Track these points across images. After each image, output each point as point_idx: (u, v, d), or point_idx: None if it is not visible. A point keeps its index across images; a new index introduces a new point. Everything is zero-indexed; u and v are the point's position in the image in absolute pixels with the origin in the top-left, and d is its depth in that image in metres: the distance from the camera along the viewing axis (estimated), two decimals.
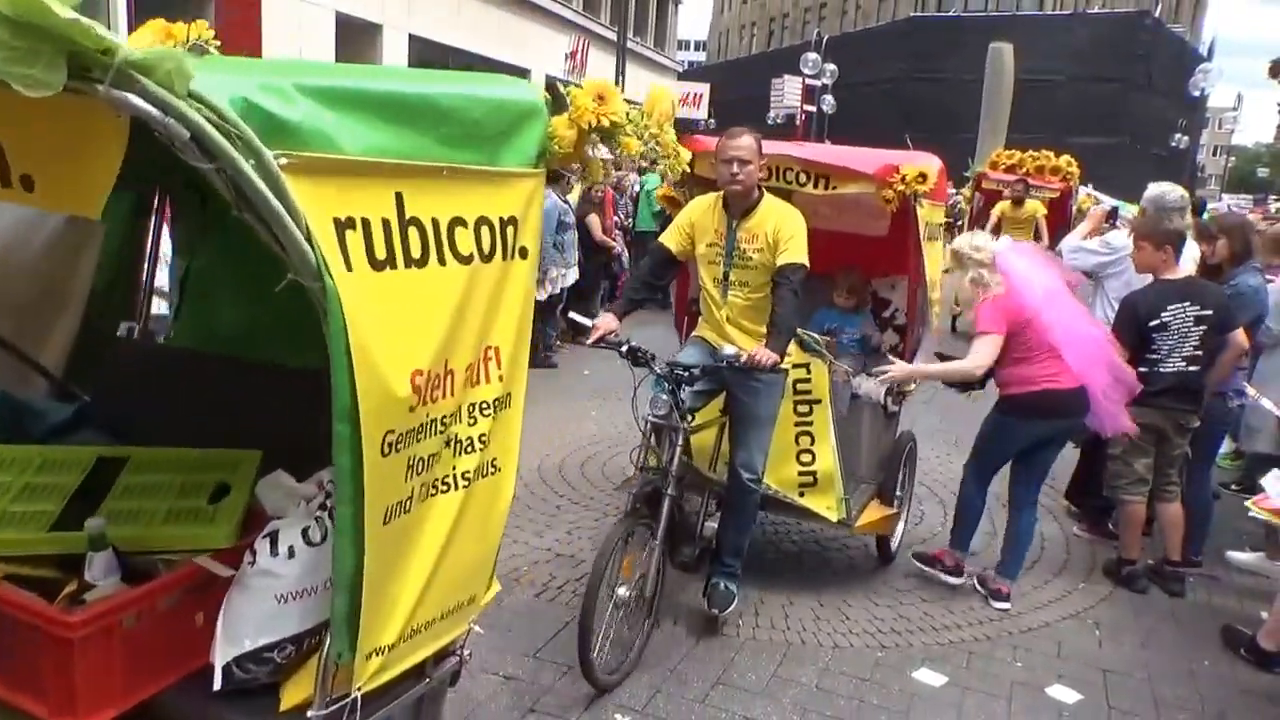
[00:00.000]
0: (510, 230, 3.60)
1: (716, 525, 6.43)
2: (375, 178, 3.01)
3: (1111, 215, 12.81)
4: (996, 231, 15.81)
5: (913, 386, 7.77)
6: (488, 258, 3.48)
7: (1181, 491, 7.47)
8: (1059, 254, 13.81)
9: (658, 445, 6.02)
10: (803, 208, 6.85)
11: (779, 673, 5.85)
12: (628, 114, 4.07)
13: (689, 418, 5.95)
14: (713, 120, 48.43)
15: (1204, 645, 6.62)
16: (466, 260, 3.38)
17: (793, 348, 6.06)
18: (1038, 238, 16.51)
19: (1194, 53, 70.27)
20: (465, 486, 3.60)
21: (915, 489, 9.19)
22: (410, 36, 28.48)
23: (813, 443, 6.57)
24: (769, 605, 6.72)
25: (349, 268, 2.87)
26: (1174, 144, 59.69)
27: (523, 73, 35.17)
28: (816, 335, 6.65)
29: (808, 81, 46.26)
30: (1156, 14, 67.29)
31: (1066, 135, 49.63)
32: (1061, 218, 17.80)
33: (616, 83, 21.22)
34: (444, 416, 3.41)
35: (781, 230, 5.87)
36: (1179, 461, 7.41)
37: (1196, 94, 47.61)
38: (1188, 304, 7.04)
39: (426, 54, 29.66)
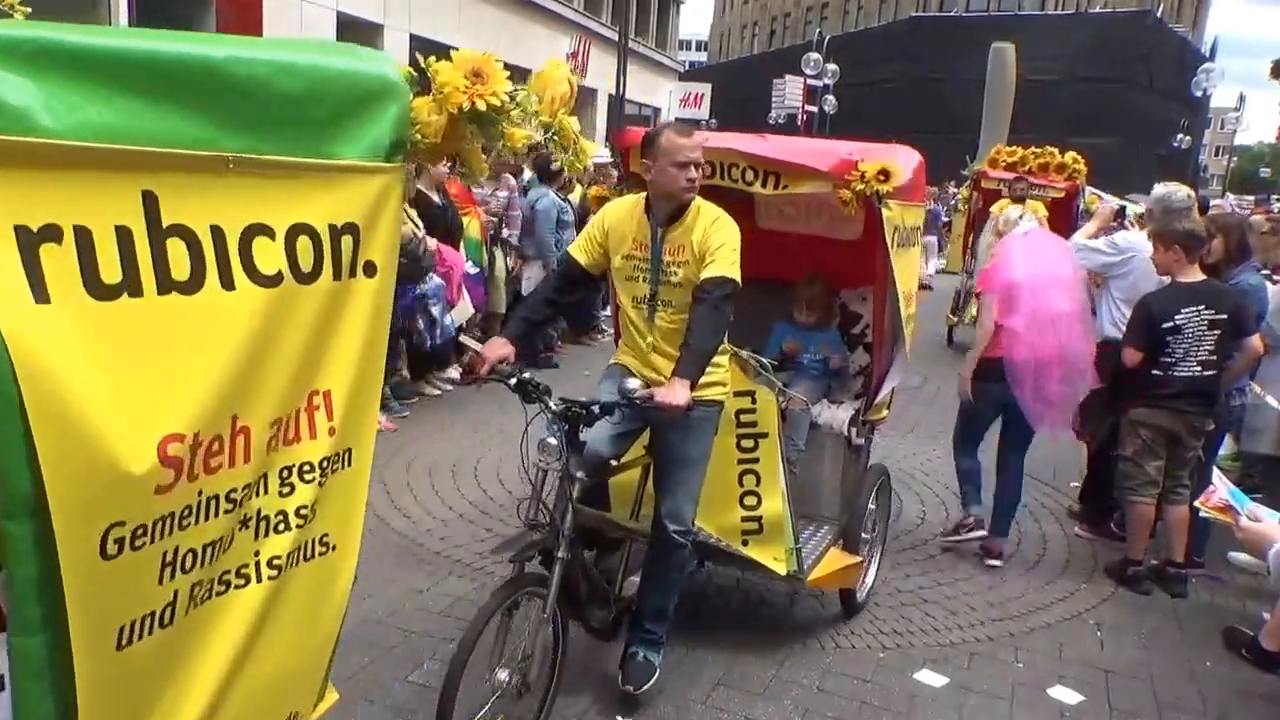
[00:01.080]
0: (347, 241, 2.87)
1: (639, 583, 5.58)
2: (105, 171, 2.23)
3: (1119, 215, 12.55)
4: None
5: (885, 413, 7.16)
6: (309, 277, 2.75)
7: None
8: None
9: (554, 496, 4.96)
10: (766, 208, 7.00)
11: (780, 674, 5.85)
12: (513, 96, 3.42)
13: (613, 463, 5.37)
14: (714, 120, 48.47)
15: (1206, 646, 6.60)
16: (272, 282, 2.63)
17: (735, 373, 5.53)
18: None
19: (1196, 52, 70.35)
20: (274, 577, 2.87)
21: (917, 490, 9.20)
22: (411, 36, 28.46)
23: (758, 483, 5.67)
24: (770, 605, 6.73)
25: (42, 298, 2.10)
26: (1176, 144, 59.64)
27: (524, 73, 35.25)
28: (763, 358, 6.08)
29: (809, 82, 46.32)
30: (1158, 14, 67.29)
31: (1068, 135, 49.40)
32: (1066, 219, 16.15)
33: (618, 83, 21.07)
34: (232, 490, 2.65)
35: (710, 239, 4.94)
36: (1191, 464, 7.36)
37: (1199, 94, 47.54)
38: (1201, 307, 7.02)
39: (427, 54, 29.43)
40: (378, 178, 2.94)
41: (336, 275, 2.83)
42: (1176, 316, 7.04)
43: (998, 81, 34.54)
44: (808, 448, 6.56)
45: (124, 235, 2.26)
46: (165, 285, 2.35)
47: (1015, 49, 35.29)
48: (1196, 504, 6.34)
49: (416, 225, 9.96)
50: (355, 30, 25.80)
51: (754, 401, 5.61)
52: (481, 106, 3.16)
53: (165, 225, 2.35)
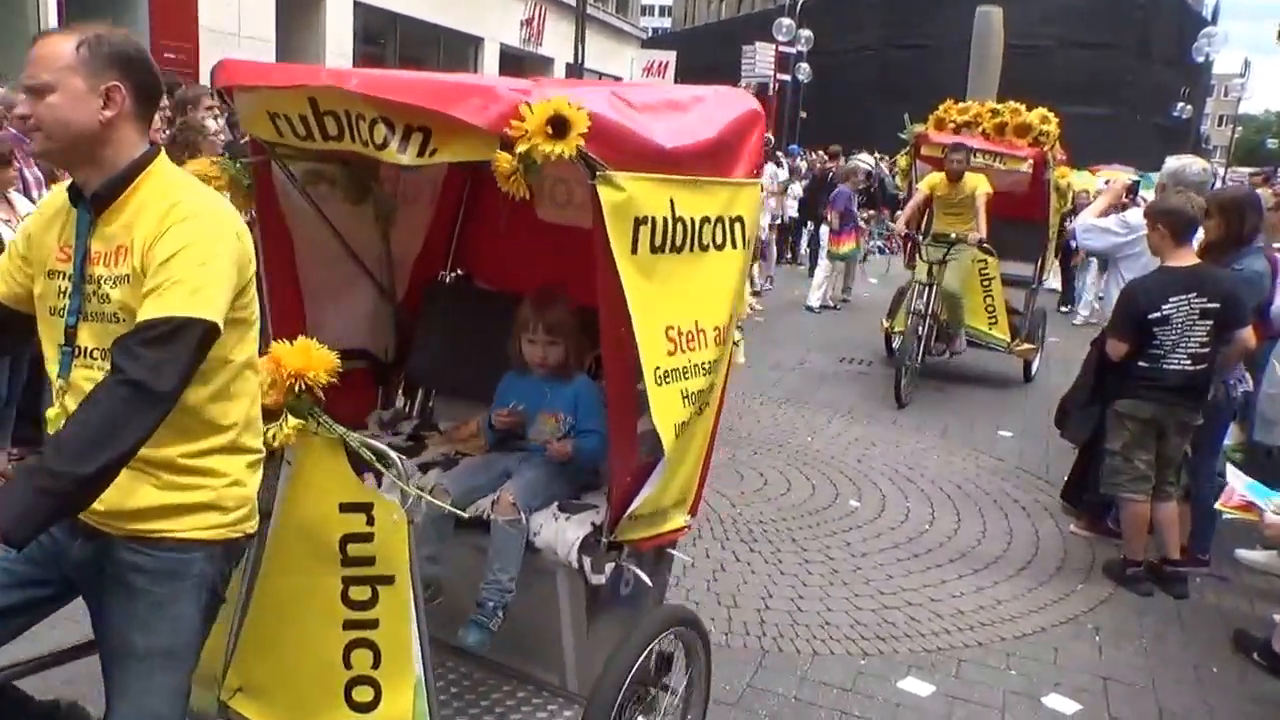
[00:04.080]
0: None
1: None
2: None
3: (1132, 191, 12.14)
4: (923, 218, 13.88)
5: (675, 527, 4.67)
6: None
7: (1186, 487, 7.49)
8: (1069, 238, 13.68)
9: None
10: (552, 189, 5.30)
11: (754, 683, 5.82)
12: None
13: None
14: None
15: (1212, 650, 6.62)
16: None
17: (335, 471, 3.87)
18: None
19: (1197, 15, 70.72)
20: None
21: (900, 485, 9.22)
22: (355, 4, 28.27)
23: (376, 664, 3.89)
24: (742, 610, 6.69)
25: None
26: (1176, 113, 59.96)
27: (475, 42, 35.16)
28: (380, 445, 3.95)
29: (781, 48, 46.22)
30: None
31: (1060, 104, 49.57)
32: (1036, 197, 13.74)
33: (576, 52, 21.17)
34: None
35: (166, 242, 3.06)
36: (1177, 460, 7.40)
37: (1200, 60, 47.73)
38: (1191, 295, 6.97)
39: (373, 22, 29.48)
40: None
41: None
42: (1164, 306, 6.99)
43: (984, 48, 34.66)
44: (532, 583, 4.57)
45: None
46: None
47: (1002, 12, 35.41)
48: (1217, 506, 6.36)
49: None
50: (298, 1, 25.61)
51: (370, 522, 3.87)
52: None
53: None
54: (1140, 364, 7.06)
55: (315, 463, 3.90)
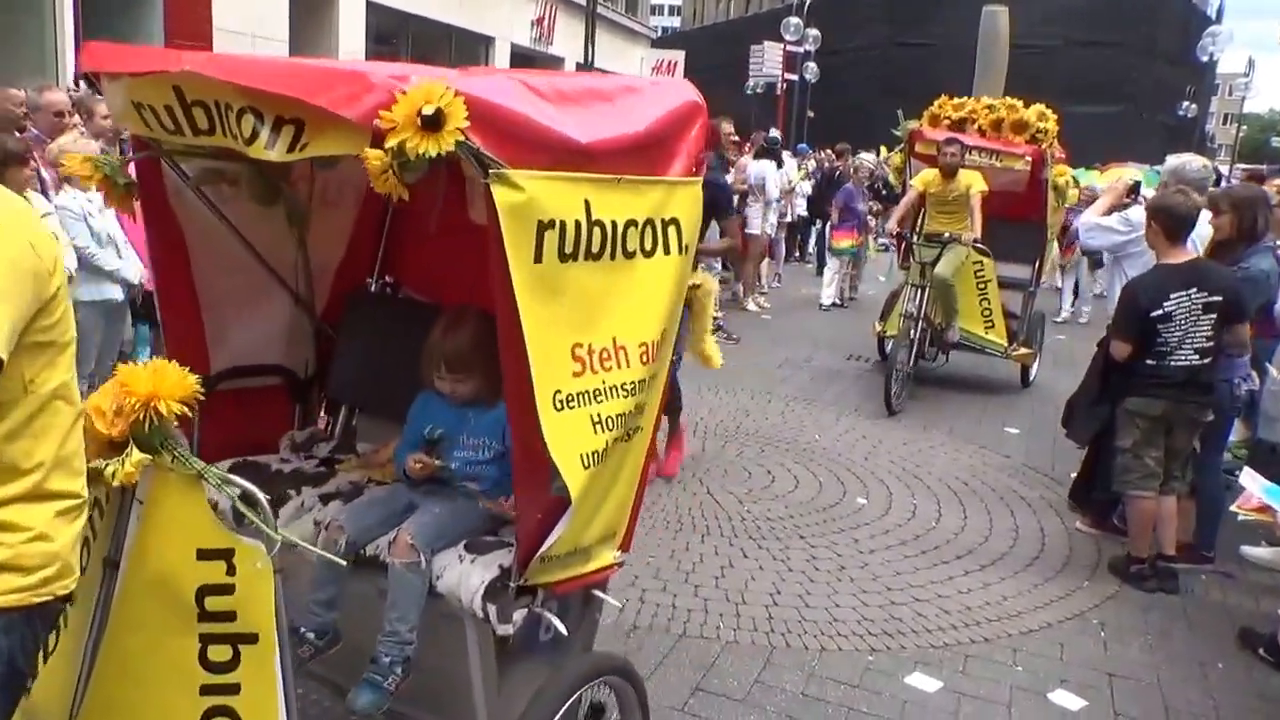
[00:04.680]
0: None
1: None
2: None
3: (1133, 191, 11.98)
4: (917, 217, 13.04)
5: (591, 570, 4.17)
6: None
7: (1191, 483, 7.48)
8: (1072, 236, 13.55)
9: None
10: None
11: (762, 678, 5.82)
12: None
13: None
14: None
15: (1217, 647, 6.61)
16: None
17: (191, 513, 3.40)
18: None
19: (1202, 15, 70.50)
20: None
21: (908, 482, 9.22)
22: (368, 4, 28.27)
23: None
24: (751, 606, 6.68)
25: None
26: (1182, 112, 59.92)
27: (486, 41, 35.16)
28: (245, 484, 3.43)
29: (789, 48, 46.21)
30: None
31: (1066, 103, 49.60)
32: (1034, 197, 13.20)
33: (586, 51, 21.21)
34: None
35: None
36: (1185, 454, 7.38)
37: (1205, 59, 47.67)
38: (1193, 290, 6.96)
39: (385, 22, 29.46)
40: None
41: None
42: (1166, 303, 6.98)
43: (990, 47, 34.56)
44: (440, 629, 4.10)
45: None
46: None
47: (1009, 12, 35.36)
48: (1233, 508, 6.36)
49: None
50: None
51: (231, 571, 3.38)
52: None
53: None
54: (1147, 362, 7.05)
55: (170, 503, 3.37)
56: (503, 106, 3.38)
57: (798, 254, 25.04)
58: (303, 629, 4.07)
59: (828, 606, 6.75)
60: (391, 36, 30.50)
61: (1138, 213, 8.63)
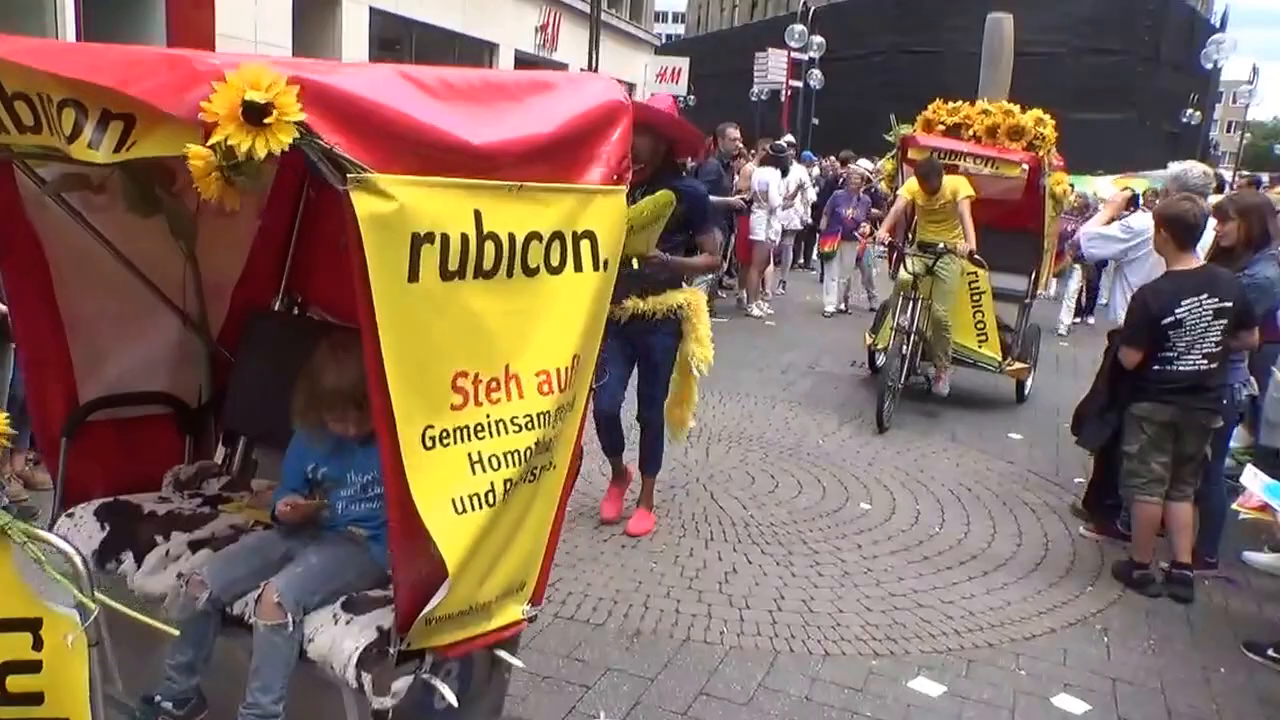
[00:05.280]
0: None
1: None
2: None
3: (1131, 203, 11.71)
4: (910, 226, 12.58)
5: (491, 629, 3.72)
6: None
7: (1196, 490, 7.47)
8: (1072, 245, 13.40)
9: None
10: None
11: (765, 683, 5.82)
12: None
13: None
14: (692, 97, 48.37)
15: (1220, 652, 6.60)
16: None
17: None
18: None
19: (1206, 23, 70.50)
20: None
21: (913, 489, 9.21)
22: (371, 10, 28.34)
23: None
24: (755, 611, 6.68)
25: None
26: (1185, 120, 59.86)
27: (490, 47, 35.22)
28: (60, 542, 3.01)
29: (793, 55, 46.31)
30: None
31: (1071, 111, 49.68)
32: (1031, 206, 12.58)
33: (590, 58, 21.14)
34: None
35: None
36: (1196, 462, 7.35)
37: (1209, 66, 47.66)
38: (1204, 296, 6.95)
39: (389, 28, 29.57)
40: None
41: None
42: (1177, 310, 6.97)
43: (995, 54, 34.50)
44: (317, 697, 3.72)
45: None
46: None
47: (1013, 19, 35.38)
48: (1235, 506, 6.36)
49: None
50: (312, 5, 25.64)
51: (38, 645, 2.95)
52: None
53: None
54: (1154, 367, 7.05)
55: None
56: (366, 100, 2.93)
57: (801, 260, 25.03)
58: (159, 698, 3.73)
59: (831, 611, 6.75)
60: (395, 43, 30.60)
61: (1138, 220, 8.65)
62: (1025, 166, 11.91)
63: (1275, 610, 7.16)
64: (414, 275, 3.02)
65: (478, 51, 34.80)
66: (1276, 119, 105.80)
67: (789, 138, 24.25)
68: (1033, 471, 9.99)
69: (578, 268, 3.55)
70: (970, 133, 12.45)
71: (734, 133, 16.33)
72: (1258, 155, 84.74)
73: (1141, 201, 14.15)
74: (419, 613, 3.29)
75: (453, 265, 3.13)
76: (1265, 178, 30.99)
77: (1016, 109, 12.52)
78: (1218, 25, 67.17)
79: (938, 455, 10.34)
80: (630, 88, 49.67)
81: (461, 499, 3.26)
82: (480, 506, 3.31)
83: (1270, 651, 6.45)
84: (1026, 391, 13.21)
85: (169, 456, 4.83)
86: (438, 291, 3.10)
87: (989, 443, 10.95)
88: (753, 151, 19.90)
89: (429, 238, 3.04)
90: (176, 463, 4.84)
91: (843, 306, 19.02)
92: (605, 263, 3.65)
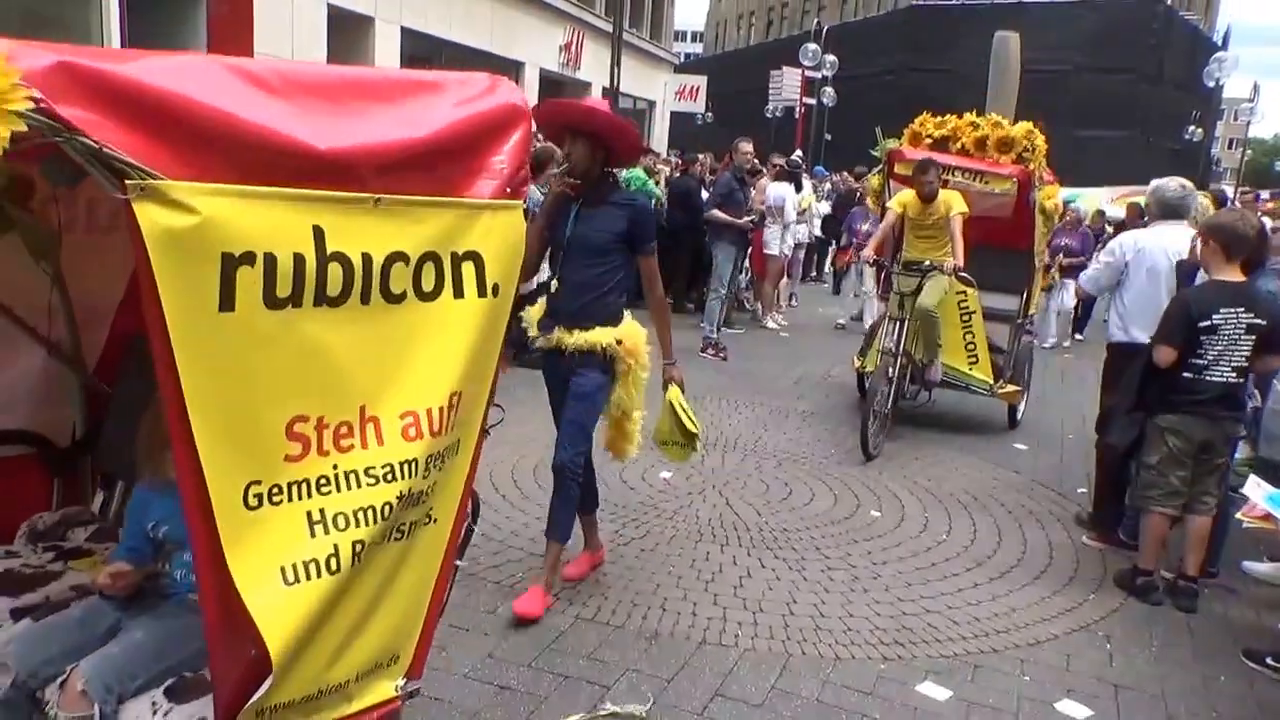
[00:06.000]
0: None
1: None
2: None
3: (1100, 218, 11.02)
4: (899, 241, 11.81)
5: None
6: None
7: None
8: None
9: None
10: None
11: (779, 685, 5.82)
12: None
13: None
14: (710, 114, 48.43)
15: (1220, 659, 6.58)
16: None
17: None
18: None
19: (1208, 41, 70.29)
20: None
21: (920, 496, 9.20)
22: (402, 30, 28.52)
23: None
24: (768, 615, 6.68)
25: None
26: (1187, 137, 59.76)
27: (516, 66, 35.33)
28: None
29: (807, 73, 46.36)
30: (1168, 1, 67.27)
31: (1075, 128, 49.83)
32: (1021, 222, 11.80)
33: (612, 76, 21.07)
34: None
35: None
36: (1219, 472, 7.33)
37: (1211, 84, 47.57)
38: (1240, 310, 6.93)
39: (419, 47, 29.72)
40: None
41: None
42: (1214, 316, 6.95)
43: (1001, 72, 34.46)
44: None
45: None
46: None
47: (1019, 38, 35.35)
48: (1239, 515, 6.34)
49: None
50: (346, 23, 25.79)
51: None
52: None
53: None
54: (1184, 375, 7.03)
55: None
56: (166, 93, 2.40)
57: (814, 273, 25.03)
58: None
59: (842, 616, 6.75)
60: (426, 61, 30.72)
61: (1115, 241, 8.67)
62: (1015, 180, 11.31)
63: (1274, 619, 7.13)
64: (227, 303, 2.52)
65: (504, 70, 34.59)
66: (1277, 136, 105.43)
67: (798, 153, 24.23)
68: (1037, 481, 9.97)
69: (458, 294, 3.06)
70: (959, 145, 11.79)
71: (746, 147, 16.26)
72: (1258, 172, 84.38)
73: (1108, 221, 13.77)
74: (243, 706, 2.74)
75: (282, 291, 2.62)
76: (1266, 194, 30.87)
77: (1005, 121, 11.90)
78: (1220, 43, 67.05)
79: (945, 465, 10.33)
80: (651, 105, 49.90)
81: (294, 566, 2.72)
82: (318, 574, 2.76)
83: (1269, 660, 6.43)
84: (1019, 417, 12.27)
85: (32, 502, 4.28)
86: (262, 322, 2.59)
87: (995, 453, 10.94)
88: (768, 167, 19.91)
89: (247, 258, 2.54)
90: (42, 509, 4.29)
91: (856, 317, 18.93)
92: (495, 287, 3.16)
